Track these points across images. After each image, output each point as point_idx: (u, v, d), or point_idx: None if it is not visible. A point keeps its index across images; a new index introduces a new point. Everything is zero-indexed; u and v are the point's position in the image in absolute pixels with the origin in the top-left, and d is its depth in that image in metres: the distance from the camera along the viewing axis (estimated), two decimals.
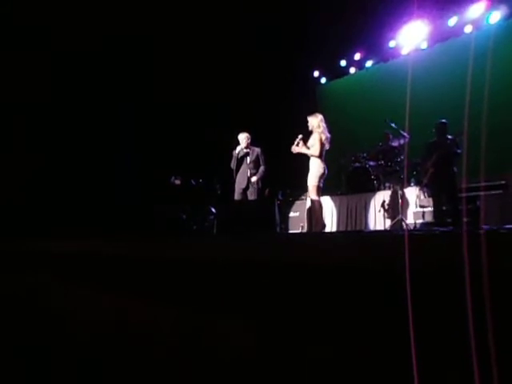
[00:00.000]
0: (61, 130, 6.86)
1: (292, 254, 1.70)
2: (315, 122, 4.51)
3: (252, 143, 5.18)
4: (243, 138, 5.10)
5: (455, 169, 4.75)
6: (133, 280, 2.42)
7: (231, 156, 5.14)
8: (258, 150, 5.12)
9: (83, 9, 6.04)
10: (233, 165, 5.07)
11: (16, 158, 6.57)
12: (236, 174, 5.11)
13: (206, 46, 6.92)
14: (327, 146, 4.52)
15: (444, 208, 4.79)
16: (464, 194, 4.75)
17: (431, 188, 5.01)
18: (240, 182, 5.02)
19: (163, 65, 7.14)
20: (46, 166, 6.73)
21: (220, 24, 6.51)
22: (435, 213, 4.92)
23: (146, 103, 7.65)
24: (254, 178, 4.99)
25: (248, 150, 5.07)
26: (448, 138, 4.85)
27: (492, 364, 0.91)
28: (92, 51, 6.72)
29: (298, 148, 4.54)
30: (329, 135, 4.52)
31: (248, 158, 5.04)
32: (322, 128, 4.47)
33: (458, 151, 4.71)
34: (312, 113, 4.66)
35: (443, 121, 4.96)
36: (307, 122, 4.58)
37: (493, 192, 4.82)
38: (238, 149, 5.06)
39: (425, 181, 5.00)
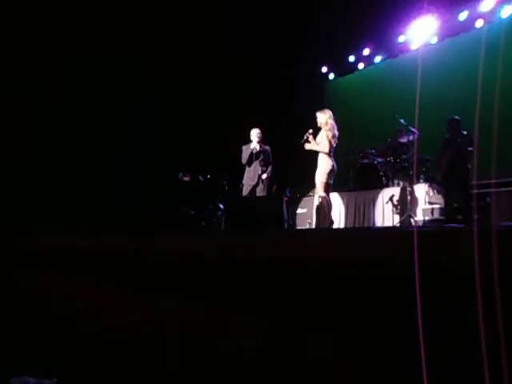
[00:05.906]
0: (64, 129, 6.91)
1: (300, 250, 1.70)
2: (323, 118, 4.50)
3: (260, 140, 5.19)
4: (255, 134, 5.12)
5: (469, 166, 4.65)
6: (135, 277, 2.44)
7: (240, 152, 5.15)
8: (268, 147, 5.19)
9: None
10: (245, 160, 5.09)
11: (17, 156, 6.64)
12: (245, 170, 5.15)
13: (212, 41, 6.90)
14: (334, 144, 4.50)
15: (455, 205, 4.72)
16: (474, 191, 4.69)
17: (444, 184, 4.93)
18: (251, 178, 5.06)
19: (168, 64, 7.14)
20: (49, 165, 6.79)
21: (228, 17, 6.49)
22: (446, 210, 4.86)
23: (153, 101, 7.67)
24: (264, 175, 5.05)
25: (261, 147, 5.09)
26: (463, 135, 4.74)
27: (503, 362, 0.91)
28: (104, 52, 6.75)
29: (309, 145, 4.54)
30: (337, 133, 4.50)
31: (260, 155, 5.07)
32: (329, 125, 4.46)
33: (470, 149, 4.61)
34: (321, 108, 4.64)
35: (456, 117, 4.85)
36: (316, 117, 4.57)
37: (503, 189, 4.76)
38: (253, 145, 5.08)
39: (439, 177, 4.94)
